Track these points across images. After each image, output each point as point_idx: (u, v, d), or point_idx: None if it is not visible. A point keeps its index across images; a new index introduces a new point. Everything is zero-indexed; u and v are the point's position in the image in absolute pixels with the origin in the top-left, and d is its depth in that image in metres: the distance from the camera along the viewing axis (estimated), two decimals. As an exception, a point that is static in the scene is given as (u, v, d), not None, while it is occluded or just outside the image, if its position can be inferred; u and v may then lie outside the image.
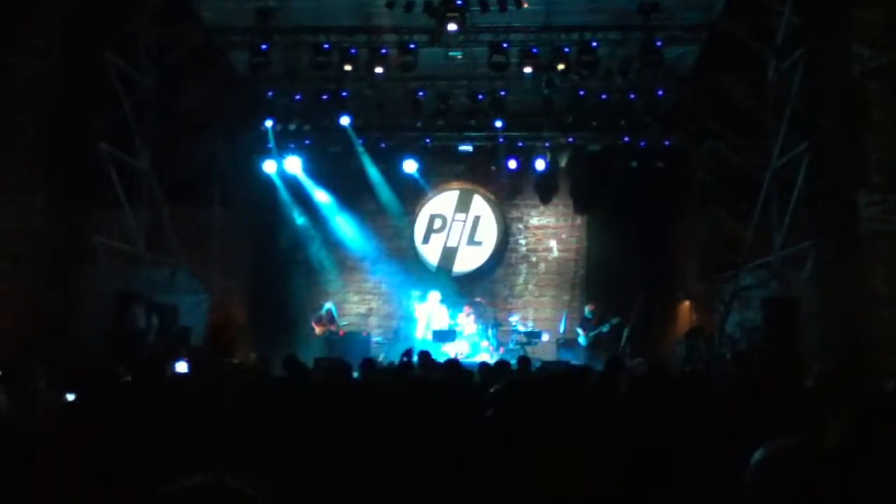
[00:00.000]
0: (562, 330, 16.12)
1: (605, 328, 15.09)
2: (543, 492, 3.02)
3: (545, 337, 15.95)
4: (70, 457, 3.46)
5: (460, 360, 9.42)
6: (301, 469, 3.55)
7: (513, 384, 3.90)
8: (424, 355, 9.48)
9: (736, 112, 13.78)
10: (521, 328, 16.23)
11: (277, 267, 16.90)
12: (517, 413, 3.51)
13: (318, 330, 15.97)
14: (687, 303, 16.29)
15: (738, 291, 13.81)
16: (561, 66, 13.89)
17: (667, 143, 16.11)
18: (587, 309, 15.91)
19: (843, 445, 2.38)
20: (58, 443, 3.62)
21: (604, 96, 15.36)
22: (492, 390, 3.82)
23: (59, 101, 10.59)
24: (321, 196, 17.36)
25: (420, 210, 18.15)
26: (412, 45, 13.83)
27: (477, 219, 18.10)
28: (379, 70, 14.13)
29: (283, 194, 17.08)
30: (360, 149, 16.77)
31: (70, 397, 5.07)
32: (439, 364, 8.70)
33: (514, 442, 3.26)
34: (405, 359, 9.67)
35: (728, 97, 13.73)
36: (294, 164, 16.77)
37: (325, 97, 15.53)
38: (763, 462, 2.19)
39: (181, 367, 6.82)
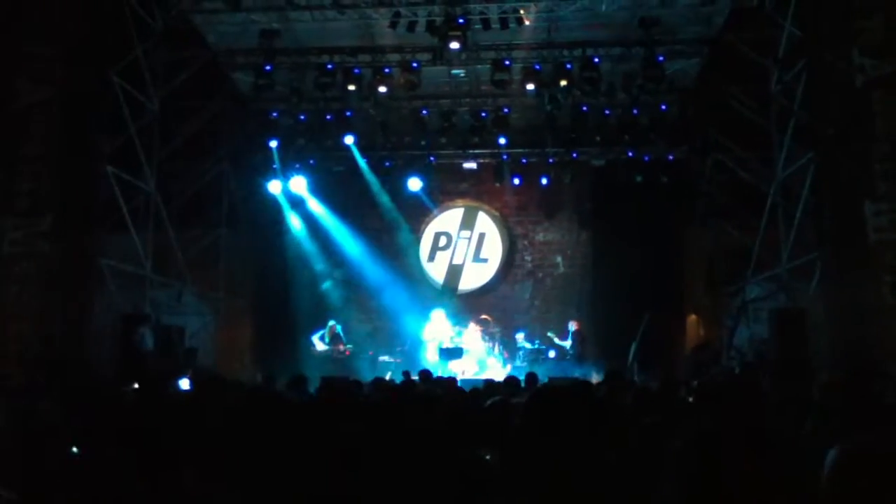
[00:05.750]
0: (568, 345, 16.02)
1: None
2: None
3: (552, 353, 15.87)
4: (73, 474, 3.45)
5: (458, 379, 9.41)
6: (312, 487, 3.53)
7: (540, 393, 3.87)
8: (426, 374, 9.43)
9: (740, 124, 13.81)
10: (528, 345, 16.16)
11: (283, 287, 16.89)
12: (545, 422, 3.48)
13: (319, 347, 15.91)
14: (694, 317, 16.23)
15: (746, 304, 13.76)
16: (563, 83, 13.93)
17: (671, 156, 16.13)
18: (571, 325, 15.92)
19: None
20: (61, 461, 3.62)
21: (607, 111, 15.40)
22: (521, 400, 3.79)
23: (66, 125, 10.65)
24: (326, 215, 17.38)
25: (425, 228, 18.17)
26: (415, 64, 13.92)
27: (482, 236, 18.10)
28: (382, 89, 14.24)
29: (288, 214, 17.13)
30: (365, 168, 16.82)
31: (77, 417, 5.06)
32: (440, 380, 8.69)
33: (543, 452, 3.23)
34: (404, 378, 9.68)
35: (731, 110, 13.76)
36: (299, 184, 16.84)
37: (329, 117, 15.64)
38: (842, 460, 2.17)
39: (184, 383, 6.79)
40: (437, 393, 6.21)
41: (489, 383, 8.82)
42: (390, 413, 4.59)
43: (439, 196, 18.04)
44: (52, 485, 3.56)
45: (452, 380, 8.60)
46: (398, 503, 3.41)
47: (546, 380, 11.79)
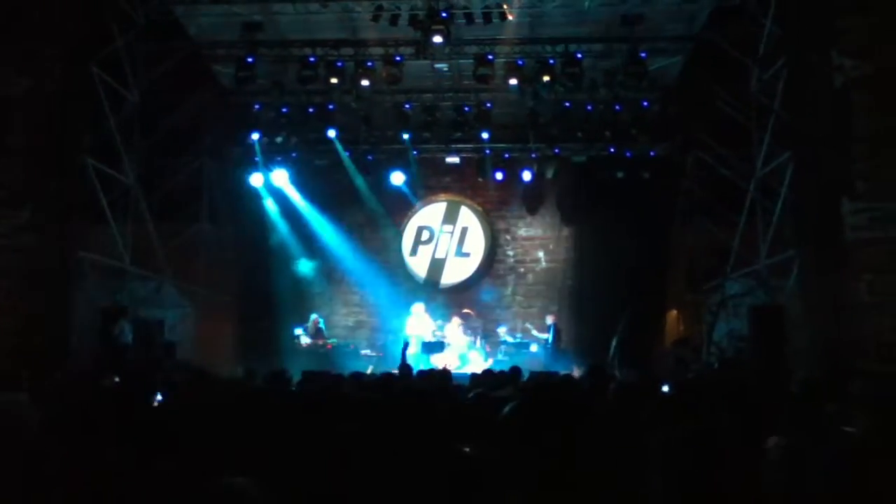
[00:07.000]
0: (549, 340, 16.09)
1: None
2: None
3: (533, 347, 15.94)
4: (54, 468, 3.45)
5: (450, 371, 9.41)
6: (300, 486, 3.53)
7: (528, 391, 3.90)
8: (406, 368, 9.43)
9: (721, 122, 13.90)
10: (510, 339, 16.23)
11: (264, 281, 16.83)
12: (535, 420, 3.49)
13: (303, 341, 15.89)
14: (675, 312, 16.34)
15: (725, 300, 13.88)
16: (546, 78, 13.95)
17: (652, 153, 16.22)
18: (548, 318, 16.05)
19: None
20: (42, 454, 3.61)
21: (589, 107, 15.44)
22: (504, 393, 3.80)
23: (46, 117, 10.55)
24: (308, 209, 17.32)
25: (407, 222, 18.16)
26: (398, 58, 13.89)
27: (464, 230, 18.12)
28: (365, 83, 14.19)
29: (270, 208, 17.05)
30: (347, 161, 16.78)
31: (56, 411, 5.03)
32: (423, 373, 8.68)
33: (534, 449, 3.25)
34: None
35: (713, 107, 13.84)
36: (281, 178, 16.75)
37: (311, 110, 15.55)
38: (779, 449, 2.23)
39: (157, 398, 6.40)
40: (424, 388, 6.22)
41: (474, 377, 8.84)
42: (378, 411, 4.59)
43: (422, 190, 18.04)
44: (33, 480, 3.55)
45: (445, 372, 8.53)
46: (388, 501, 3.43)
47: (528, 374, 11.87)
